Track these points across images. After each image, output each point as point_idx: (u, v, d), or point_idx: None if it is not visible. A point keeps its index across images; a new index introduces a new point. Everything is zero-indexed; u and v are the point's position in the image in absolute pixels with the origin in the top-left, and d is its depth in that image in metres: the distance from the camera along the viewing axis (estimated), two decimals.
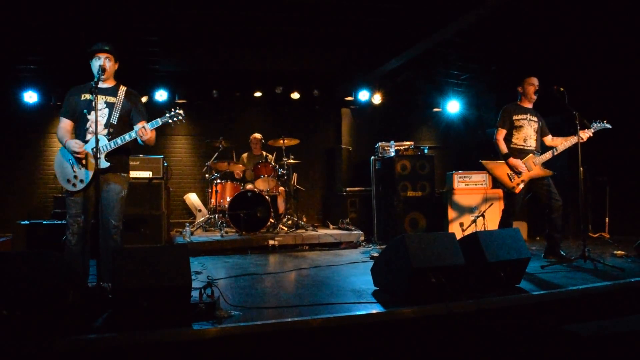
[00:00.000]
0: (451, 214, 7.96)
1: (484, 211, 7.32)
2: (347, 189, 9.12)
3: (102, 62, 4.21)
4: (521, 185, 5.68)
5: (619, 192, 7.96)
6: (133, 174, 7.23)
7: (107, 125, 4.27)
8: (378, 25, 7.42)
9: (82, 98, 4.25)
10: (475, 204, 7.93)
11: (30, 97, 8.43)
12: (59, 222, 6.74)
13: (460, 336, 3.69)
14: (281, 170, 8.13)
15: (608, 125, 5.80)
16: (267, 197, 7.58)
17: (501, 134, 5.82)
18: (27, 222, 6.86)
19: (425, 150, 8.35)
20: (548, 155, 5.75)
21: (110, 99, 4.31)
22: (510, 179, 5.70)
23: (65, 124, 4.28)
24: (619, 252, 6.04)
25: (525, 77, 5.89)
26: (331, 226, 8.93)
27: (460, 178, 8.07)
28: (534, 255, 5.39)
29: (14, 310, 3.00)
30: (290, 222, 8.34)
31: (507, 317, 3.88)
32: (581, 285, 4.31)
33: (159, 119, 4.27)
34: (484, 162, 6.00)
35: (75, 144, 4.14)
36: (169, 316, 3.29)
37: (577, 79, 8.12)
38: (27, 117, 8.67)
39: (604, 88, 8.14)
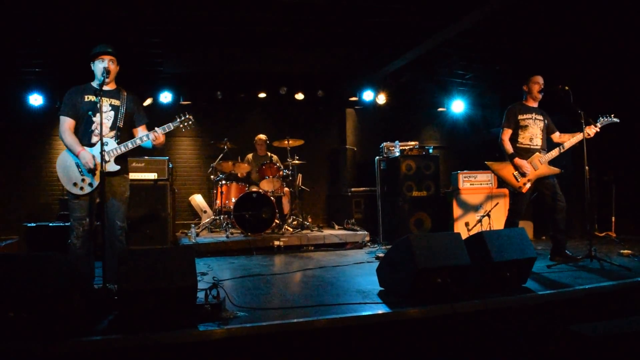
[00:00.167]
0: (456, 213, 7.94)
1: (490, 211, 7.30)
2: (352, 189, 9.11)
3: (107, 64, 4.23)
4: (528, 185, 5.66)
5: (625, 191, 7.92)
6: (139, 175, 7.30)
7: (114, 127, 4.29)
8: (382, 26, 7.41)
9: (86, 99, 4.26)
10: (480, 203, 7.91)
11: (36, 100, 8.47)
12: (65, 224, 6.76)
13: (466, 336, 3.68)
14: (286, 171, 8.13)
15: (616, 120, 5.76)
16: (272, 198, 7.58)
17: (507, 133, 5.80)
18: (33, 224, 6.88)
19: (430, 150, 8.33)
20: (555, 152, 5.72)
21: (115, 102, 4.33)
22: (517, 179, 5.68)
23: (69, 124, 4.25)
24: (625, 251, 6.02)
25: (530, 76, 5.86)
26: (336, 227, 8.93)
27: (465, 178, 8.05)
28: (540, 255, 5.38)
29: (20, 312, 3.01)
30: (295, 222, 8.34)
31: (513, 317, 3.87)
32: (588, 285, 4.29)
33: (170, 124, 4.40)
34: (489, 163, 5.99)
35: (91, 161, 4.10)
36: (175, 317, 3.30)
37: (583, 77, 8.09)
38: (33, 119, 8.71)
39: (610, 86, 8.10)
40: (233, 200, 7.77)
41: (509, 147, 5.76)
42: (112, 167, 4.26)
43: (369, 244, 7.86)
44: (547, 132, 5.91)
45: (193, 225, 7.84)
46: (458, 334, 3.66)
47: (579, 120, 5.49)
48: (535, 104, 5.88)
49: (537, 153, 5.73)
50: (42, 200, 8.92)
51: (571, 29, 7.35)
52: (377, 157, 8.48)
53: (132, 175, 7.18)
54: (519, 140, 5.79)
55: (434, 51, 7.91)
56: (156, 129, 4.34)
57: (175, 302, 3.31)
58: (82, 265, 4.12)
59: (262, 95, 9.47)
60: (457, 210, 7.95)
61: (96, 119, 4.20)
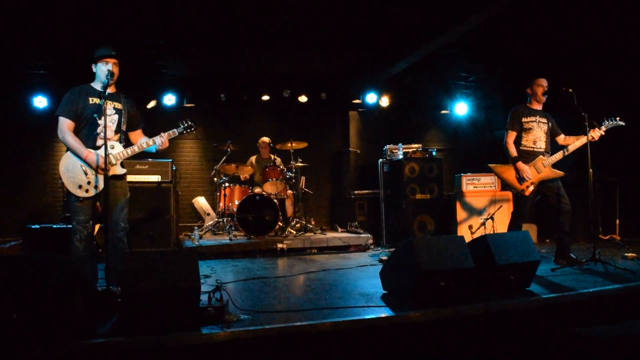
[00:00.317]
0: (460, 216, 7.93)
1: (493, 213, 7.29)
2: (355, 191, 9.11)
3: (112, 67, 4.24)
4: (531, 188, 5.64)
5: (629, 193, 7.90)
6: (142, 177, 7.32)
7: (119, 131, 4.31)
8: (385, 28, 7.41)
9: (91, 102, 4.25)
10: (484, 206, 7.89)
11: (40, 102, 8.49)
12: (69, 226, 6.77)
13: (470, 340, 3.67)
14: (289, 173, 8.13)
15: (621, 123, 5.72)
16: (275, 200, 7.59)
17: (511, 136, 5.79)
18: (36, 226, 6.89)
19: (434, 153, 8.32)
20: (558, 155, 5.70)
21: (117, 105, 4.35)
22: (520, 182, 5.66)
23: (70, 125, 4.22)
24: (630, 254, 6.00)
25: (533, 78, 5.84)
26: (339, 229, 8.93)
27: (468, 180, 8.04)
28: (543, 258, 5.36)
29: (23, 314, 3.02)
30: (298, 225, 8.34)
31: (517, 320, 3.85)
32: (592, 288, 4.28)
33: (175, 130, 4.50)
34: (492, 165, 5.98)
35: (102, 163, 4.09)
36: (178, 320, 3.30)
37: (587, 78, 8.07)
38: (37, 121, 8.72)
39: (613, 87, 8.08)
40: (236, 202, 7.77)
41: (512, 150, 5.74)
42: (119, 170, 4.30)
43: (372, 246, 7.85)
44: (551, 134, 5.89)
45: (196, 228, 7.85)
46: (461, 337, 3.65)
47: (583, 122, 5.48)
48: (539, 107, 5.87)
49: (541, 156, 5.71)
50: (46, 202, 8.94)
51: (575, 31, 7.34)
52: (381, 160, 8.48)
53: (136, 178, 7.24)
54: (523, 143, 5.78)
55: (437, 53, 7.90)
56: (162, 134, 4.39)
57: (179, 305, 3.30)
58: (84, 267, 4.12)
59: (265, 97, 9.47)
60: (460, 213, 7.94)
61: (101, 122, 4.20)
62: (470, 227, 7.61)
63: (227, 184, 8.06)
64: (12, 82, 8.46)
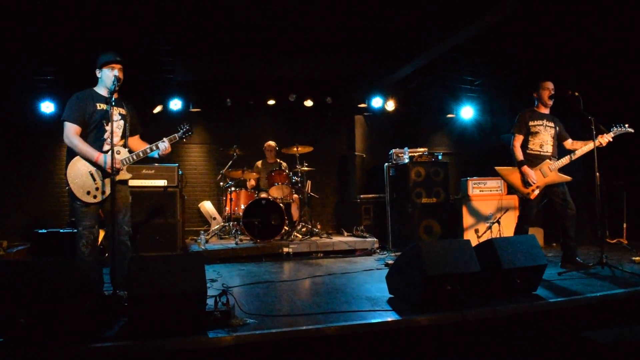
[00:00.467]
0: (466, 220, 7.91)
1: (499, 217, 7.27)
2: (361, 195, 9.10)
3: (118, 73, 4.27)
4: (536, 192, 5.62)
5: (636, 197, 7.86)
6: (149, 182, 7.37)
7: (124, 136, 4.34)
8: (390, 32, 7.42)
9: (99, 108, 4.28)
10: (490, 210, 7.87)
11: (47, 107, 8.53)
12: (74, 230, 6.80)
13: (476, 344, 3.66)
14: (295, 177, 8.14)
15: (630, 130, 5.68)
16: (281, 204, 7.60)
17: (518, 140, 5.78)
18: (43, 230, 6.93)
19: (440, 157, 8.30)
20: (565, 160, 5.69)
21: (122, 111, 4.37)
22: (525, 186, 5.65)
23: (77, 130, 4.24)
24: (637, 258, 5.97)
25: (540, 82, 5.83)
26: (345, 233, 8.93)
27: (475, 184, 8.02)
28: (550, 262, 5.35)
29: (31, 318, 3.04)
30: (304, 229, 8.34)
31: (524, 324, 3.84)
32: (599, 292, 4.27)
33: (176, 135, 4.54)
34: (498, 168, 5.96)
35: (117, 163, 4.15)
36: (185, 324, 3.31)
37: (593, 82, 8.04)
38: (44, 126, 8.76)
39: (620, 91, 8.05)
40: (242, 206, 7.78)
41: (519, 154, 5.73)
42: (125, 174, 4.35)
43: (378, 250, 7.84)
44: (558, 139, 5.87)
45: (202, 232, 7.87)
46: (468, 341, 3.65)
47: (589, 126, 5.45)
48: (546, 111, 5.86)
49: (547, 160, 5.69)
50: (52, 206, 8.97)
51: (582, 33, 7.32)
52: (386, 164, 8.48)
53: (143, 182, 7.29)
54: (529, 146, 5.77)
55: (443, 57, 7.90)
56: (164, 139, 4.42)
57: (185, 309, 3.32)
58: (91, 272, 4.14)
59: (271, 102, 9.50)
60: (466, 217, 7.92)
61: (108, 127, 4.23)
62: (476, 231, 7.60)
63: (233, 188, 8.08)
64: (20, 88, 8.51)
